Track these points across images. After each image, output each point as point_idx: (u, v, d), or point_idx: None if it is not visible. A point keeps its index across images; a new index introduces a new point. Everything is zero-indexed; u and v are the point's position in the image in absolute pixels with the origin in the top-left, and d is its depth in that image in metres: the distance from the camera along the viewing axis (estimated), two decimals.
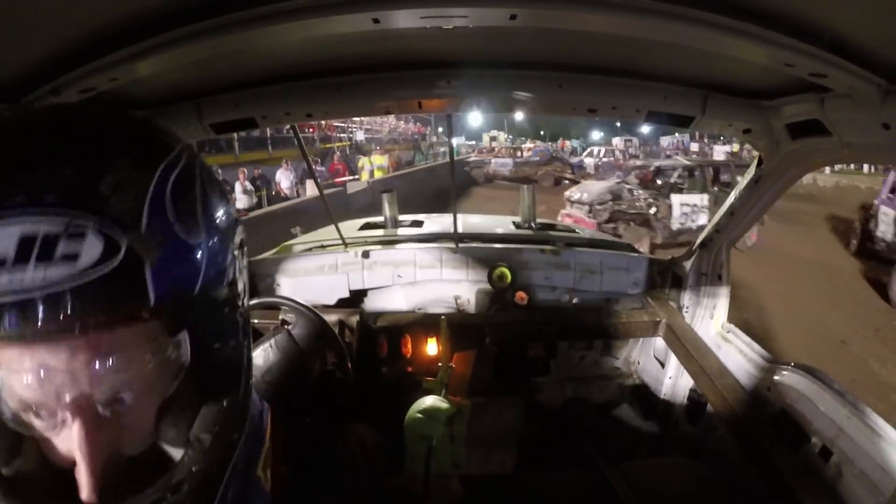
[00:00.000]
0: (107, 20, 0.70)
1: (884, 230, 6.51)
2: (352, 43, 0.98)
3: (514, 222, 2.85)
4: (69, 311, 0.31)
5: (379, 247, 2.13)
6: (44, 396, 0.34)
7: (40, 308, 0.30)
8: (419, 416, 0.91)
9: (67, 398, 0.34)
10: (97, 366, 0.34)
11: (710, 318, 1.73)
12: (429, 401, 0.98)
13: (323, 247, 2.23)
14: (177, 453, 0.39)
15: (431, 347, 1.80)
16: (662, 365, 1.97)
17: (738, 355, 1.53)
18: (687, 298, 1.81)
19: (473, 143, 27.85)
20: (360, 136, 18.97)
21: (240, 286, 0.43)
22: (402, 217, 2.68)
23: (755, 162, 1.39)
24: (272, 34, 0.74)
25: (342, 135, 18.31)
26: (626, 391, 2.22)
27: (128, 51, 0.74)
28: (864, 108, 0.83)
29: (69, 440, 0.35)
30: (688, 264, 1.80)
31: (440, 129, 27.32)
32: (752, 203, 1.48)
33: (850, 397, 1.14)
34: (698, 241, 1.76)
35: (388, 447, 0.76)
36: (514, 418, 2.13)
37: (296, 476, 0.52)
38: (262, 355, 1.15)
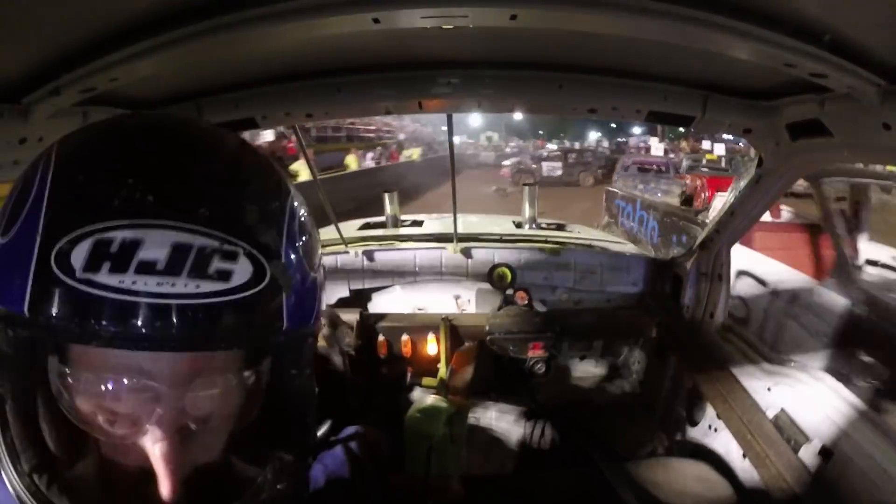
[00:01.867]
0: (107, 20, 0.70)
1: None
2: (352, 43, 0.98)
3: (514, 222, 2.85)
4: (217, 326, 0.32)
5: (379, 246, 2.13)
6: (140, 406, 0.34)
7: (189, 317, 0.31)
8: (419, 415, 0.92)
9: (161, 411, 0.34)
10: (202, 384, 0.35)
11: (710, 317, 1.73)
12: (429, 401, 0.98)
13: (323, 246, 2.23)
14: (250, 471, 0.40)
15: (431, 347, 1.80)
16: (662, 365, 1.97)
17: (738, 355, 1.53)
18: (687, 298, 1.81)
19: (472, 141, 34.23)
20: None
21: None
22: (402, 217, 2.68)
23: (755, 162, 1.39)
24: (273, 34, 0.74)
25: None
26: (626, 391, 2.22)
27: (128, 50, 0.74)
28: (865, 108, 0.83)
29: (150, 450, 0.34)
30: (688, 264, 1.80)
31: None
32: (753, 203, 1.48)
33: (851, 398, 1.14)
34: (698, 241, 1.76)
35: (388, 447, 0.76)
36: (514, 418, 2.13)
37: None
38: None
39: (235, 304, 0.32)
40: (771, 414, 1.31)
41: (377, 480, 0.64)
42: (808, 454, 1.16)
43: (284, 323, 0.35)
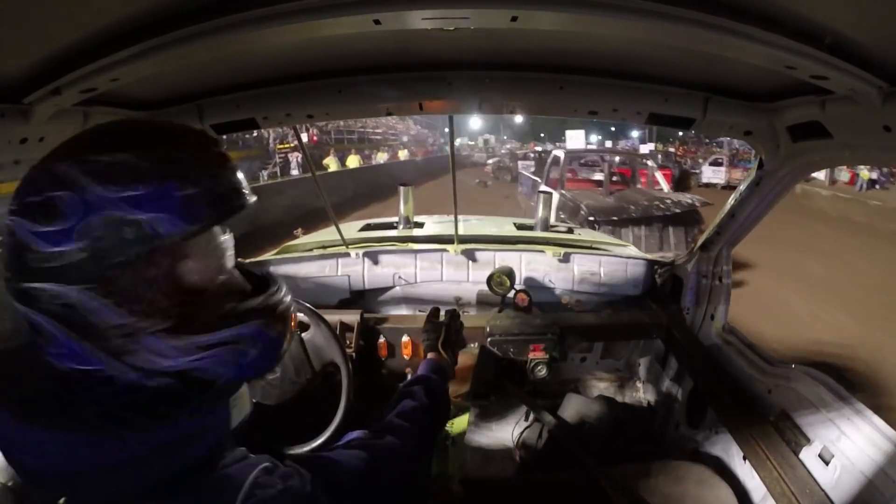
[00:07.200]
0: (108, 21, 0.70)
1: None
2: (353, 44, 0.98)
3: (515, 223, 2.85)
4: None
5: (380, 248, 2.13)
6: None
7: None
8: None
9: None
10: None
11: (710, 319, 1.72)
12: None
13: (324, 248, 2.23)
14: None
15: None
16: (663, 367, 1.97)
17: (738, 357, 1.53)
18: (687, 300, 1.81)
19: (472, 143, 37.23)
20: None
21: None
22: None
23: (756, 164, 1.39)
24: (273, 35, 0.74)
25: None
26: (627, 393, 2.22)
27: (129, 51, 0.74)
28: (865, 110, 0.83)
29: None
30: (688, 266, 1.80)
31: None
32: (753, 205, 1.48)
33: (852, 400, 1.13)
34: (699, 242, 1.76)
35: None
36: (514, 420, 2.13)
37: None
38: None
39: None
40: (771, 416, 1.30)
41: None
42: (809, 456, 1.15)
43: None
